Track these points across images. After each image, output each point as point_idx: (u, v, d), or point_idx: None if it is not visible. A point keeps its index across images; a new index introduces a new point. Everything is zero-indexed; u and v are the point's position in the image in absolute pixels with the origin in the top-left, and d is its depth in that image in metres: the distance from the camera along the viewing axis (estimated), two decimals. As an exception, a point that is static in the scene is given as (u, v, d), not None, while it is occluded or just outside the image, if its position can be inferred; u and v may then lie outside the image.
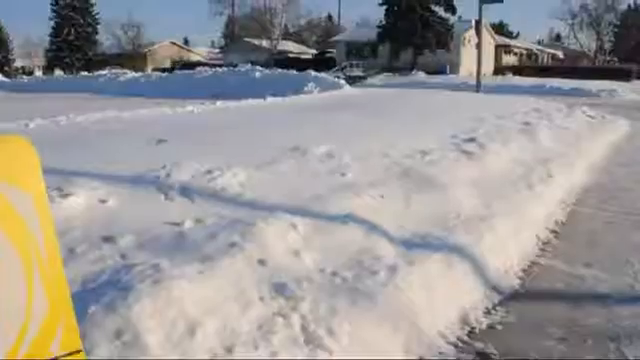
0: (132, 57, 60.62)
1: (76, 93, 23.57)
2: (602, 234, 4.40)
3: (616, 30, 68.82)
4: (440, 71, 39.18)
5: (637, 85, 35.55)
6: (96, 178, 3.63)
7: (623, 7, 67.16)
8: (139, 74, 30.47)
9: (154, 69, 51.06)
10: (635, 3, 72.95)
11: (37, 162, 1.32)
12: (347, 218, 3.25)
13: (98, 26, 62.69)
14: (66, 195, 3.19)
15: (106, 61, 57.48)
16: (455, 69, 40.72)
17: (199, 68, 25.76)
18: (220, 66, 30.53)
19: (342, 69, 37.11)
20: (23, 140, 1.27)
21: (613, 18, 65.92)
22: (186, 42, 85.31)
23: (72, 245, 2.59)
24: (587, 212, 5.02)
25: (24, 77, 38.30)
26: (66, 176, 3.62)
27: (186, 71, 27.37)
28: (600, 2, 62.73)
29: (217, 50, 79.10)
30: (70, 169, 3.86)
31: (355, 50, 48.46)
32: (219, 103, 10.95)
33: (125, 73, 31.07)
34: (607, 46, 68.86)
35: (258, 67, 22.02)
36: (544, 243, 4.10)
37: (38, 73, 57.79)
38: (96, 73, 34.76)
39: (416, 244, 3.22)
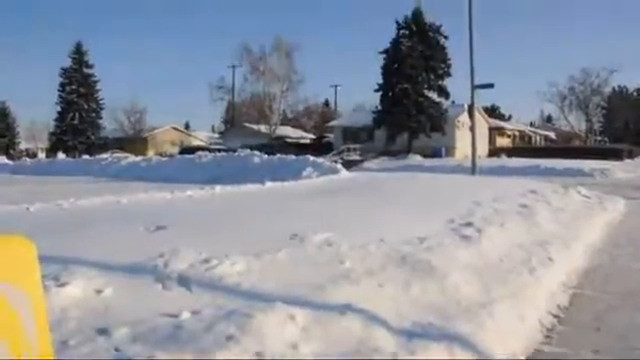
0: (134, 141, 61.87)
1: (78, 176, 23.89)
2: (607, 318, 4.32)
3: (604, 112, 70.84)
4: (436, 154, 39.96)
5: (629, 164, 36.17)
6: (94, 266, 3.62)
7: (609, 90, 69.47)
8: (140, 158, 30.94)
9: (157, 153, 51.92)
10: (619, 86, 75.60)
11: (37, 261, 1.34)
12: (346, 308, 3.22)
13: (102, 111, 64.40)
14: (63, 284, 3.19)
15: (108, 145, 58.61)
16: (451, 152, 41.53)
17: (199, 153, 26.20)
18: (220, 151, 31.08)
19: (339, 153, 37.87)
20: (25, 240, 1.30)
21: (600, 100, 68.01)
22: (187, 126, 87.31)
23: (66, 337, 2.56)
24: (589, 295, 4.96)
25: (27, 159, 38.82)
26: (64, 264, 3.62)
27: (186, 155, 27.80)
28: (586, 85, 65.02)
29: (217, 135, 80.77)
30: (68, 256, 3.85)
31: (352, 135, 49.64)
32: (218, 188, 11.03)
33: (126, 157, 31.57)
34: (597, 127, 70.71)
35: (257, 152, 22.42)
36: (548, 329, 4.02)
37: (41, 155, 58.81)
38: (98, 157, 35.34)
39: (416, 333, 3.17)
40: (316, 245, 4.60)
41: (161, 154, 46.08)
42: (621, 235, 8.32)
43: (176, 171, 21.47)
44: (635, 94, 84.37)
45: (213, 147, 42.19)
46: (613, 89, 72.70)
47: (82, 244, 4.50)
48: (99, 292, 3.20)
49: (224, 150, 31.89)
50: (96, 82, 63.57)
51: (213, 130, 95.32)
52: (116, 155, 36.58)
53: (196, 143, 63.66)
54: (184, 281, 3.47)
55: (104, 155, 38.03)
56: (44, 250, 3.78)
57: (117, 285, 3.30)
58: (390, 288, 3.78)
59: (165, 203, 8.76)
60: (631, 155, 52.12)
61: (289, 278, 3.74)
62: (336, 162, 22.49)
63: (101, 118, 64.56)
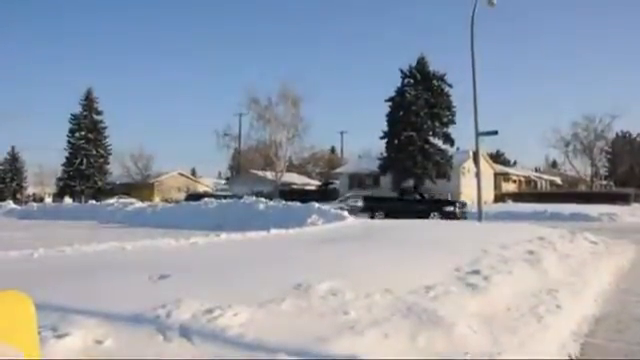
0: (140, 187, 62.32)
1: (83, 221, 23.98)
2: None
3: (609, 156, 70.99)
4: (442, 200, 39.89)
5: (636, 208, 35.97)
6: (95, 316, 3.58)
7: (612, 135, 69.82)
8: (146, 204, 31.05)
9: (163, 199, 52.13)
10: (622, 131, 76.05)
11: (33, 317, 1.32)
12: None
13: (109, 156, 65.08)
14: (62, 335, 3.14)
15: (115, 190, 59.00)
16: (456, 198, 41.48)
17: (205, 199, 26.30)
18: (225, 197, 31.19)
19: (345, 200, 37.87)
20: (21, 295, 1.29)
21: (604, 145, 68.24)
22: (193, 173, 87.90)
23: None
24: (601, 344, 4.85)
25: (34, 204, 39.00)
26: (64, 313, 3.59)
27: (192, 202, 27.88)
28: (590, 131, 65.37)
29: (224, 181, 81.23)
30: (69, 305, 3.82)
31: (358, 181, 49.96)
32: (223, 235, 11.01)
33: (132, 203, 31.70)
34: (602, 171, 70.71)
35: (262, 199, 22.48)
36: (560, 382, 3.92)
37: (48, 200, 59.15)
38: (104, 202, 35.53)
39: (423, 386, 3.09)
40: (320, 295, 4.54)
41: (167, 200, 46.31)
42: (631, 281, 8.20)
43: (181, 217, 21.50)
44: (638, 139, 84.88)
45: (219, 193, 42.34)
46: (617, 134, 73.17)
47: (83, 292, 4.46)
48: (99, 343, 3.15)
49: (230, 196, 32.00)
50: (105, 128, 64.58)
51: (219, 176, 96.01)
52: (122, 200, 36.78)
53: (202, 189, 64.03)
54: (186, 332, 3.41)
55: (110, 200, 38.25)
56: (44, 298, 3.78)
57: (118, 336, 3.26)
58: (396, 339, 3.71)
59: (169, 250, 8.73)
60: (638, 199, 51.97)
61: (293, 329, 3.68)
62: (342, 209, 22.53)
63: (108, 163, 65.30)
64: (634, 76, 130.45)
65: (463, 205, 27.77)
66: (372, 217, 25.30)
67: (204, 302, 3.96)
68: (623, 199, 44.47)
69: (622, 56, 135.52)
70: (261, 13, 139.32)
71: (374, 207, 28.32)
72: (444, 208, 26.31)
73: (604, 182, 71.77)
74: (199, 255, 8.13)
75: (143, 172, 67.83)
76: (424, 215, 24.00)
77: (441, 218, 24.56)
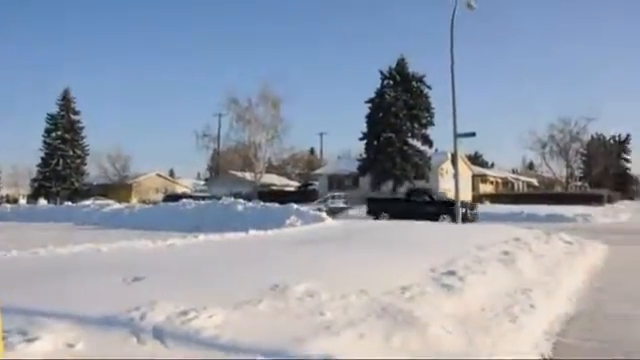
0: (118, 188, 61.52)
1: (58, 223, 23.61)
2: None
3: (584, 158, 72.20)
4: (421, 201, 40.06)
5: (609, 209, 36.75)
6: (66, 319, 3.53)
7: (587, 137, 70.99)
8: (123, 205, 30.68)
9: (141, 200, 51.58)
10: (597, 134, 77.44)
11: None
12: (325, 360, 3.16)
13: (86, 157, 64.14)
14: (31, 340, 3.08)
15: (92, 191, 58.18)
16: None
17: (183, 200, 26.08)
18: (204, 198, 30.97)
19: (324, 201, 37.82)
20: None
21: (580, 147, 69.33)
22: (172, 174, 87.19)
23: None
24: (573, 343, 4.91)
25: (7, 206, 38.24)
26: (34, 316, 3.54)
27: (170, 203, 27.62)
28: (565, 133, 66.34)
29: (202, 182, 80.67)
30: (41, 308, 3.76)
31: (337, 182, 50.06)
32: (201, 237, 10.95)
33: (109, 204, 31.28)
34: (577, 173, 71.81)
35: (241, 200, 22.40)
36: (531, 381, 3.98)
37: (22, 202, 58.01)
38: (80, 203, 34.96)
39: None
40: (297, 296, 4.54)
41: (145, 201, 45.85)
42: (604, 280, 8.33)
43: (159, 219, 21.31)
44: (612, 141, 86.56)
45: (197, 194, 42.04)
46: (592, 137, 74.40)
47: (54, 295, 4.40)
48: (70, 346, 3.10)
49: (208, 197, 31.79)
50: (82, 129, 63.62)
51: (198, 177, 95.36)
52: (99, 202, 36.30)
53: (181, 190, 63.46)
54: (160, 334, 3.38)
55: (86, 202, 37.72)
56: (13, 301, 3.71)
57: (89, 339, 3.21)
58: (370, 339, 3.73)
59: (146, 252, 8.65)
60: (611, 200, 53.02)
61: (269, 330, 3.67)
62: (321, 210, 22.51)
63: (85, 164, 64.32)
64: (610, 79, 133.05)
65: (473, 207, 26.61)
66: (376, 220, 24.17)
67: (179, 304, 3.94)
68: (597, 200, 45.30)
69: (597, 60, 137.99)
70: (242, 14, 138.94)
71: (378, 209, 27.19)
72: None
73: (579, 183, 72.96)
74: (176, 257, 8.06)
75: (121, 173, 67.00)
76: (433, 218, 22.84)
77: (452, 221, 23.24)
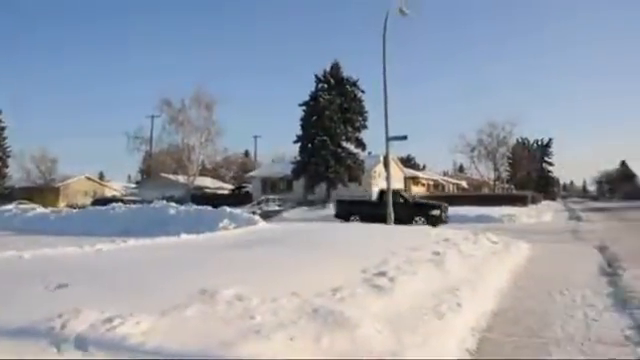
0: (43, 191, 58.82)
1: (-24, 229, 22.25)
2: (512, 360, 4.48)
3: (510, 161, 75.34)
4: (354, 204, 40.53)
5: (533, 209, 38.57)
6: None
7: (513, 141, 74.10)
8: (49, 209, 29.38)
9: (68, 204, 49.54)
10: (522, 138, 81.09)
11: None
12: (255, 364, 3.14)
13: (8, 159, 61.08)
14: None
15: (14, 195, 55.35)
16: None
17: (113, 204, 25.22)
18: (135, 202, 30.11)
19: (258, 204, 37.57)
20: None
21: (506, 151, 72.20)
22: (101, 176, 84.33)
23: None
24: (496, 338, 5.11)
25: None
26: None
27: (99, 207, 26.65)
28: (493, 137, 68.92)
29: (133, 185, 78.46)
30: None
31: (271, 185, 49.92)
32: (131, 242, 10.65)
33: (34, 208, 29.84)
34: (504, 175, 74.71)
35: (173, 203, 21.88)
36: (457, 375, 4.11)
37: None
38: (1, 208, 33.16)
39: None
40: (227, 300, 4.50)
41: (72, 205, 44.10)
42: (526, 278, 8.69)
43: (87, 223, 20.50)
44: (535, 145, 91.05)
45: (128, 198, 40.84)
46: (516, 141, 77.68)
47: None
48: (-17, 359, 2.95)
49: (139, 201, 30.92)
50: (3, 129, 60.55)
51: (129, 180, 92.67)
52: (22, 206, 34.56)
53: (111, 194, 61.54)
54: (82, 343, 3.27)
55: (8, 206, 35.83)
56: None
57: (3, 350, 3.06)
58: (301, 341, 3.74)
59: (72, 258, 8.33)
60: (535, 201, 55.57)
61: (197, 335, 3.62)
62: (254, 213, 22.28)
63: (7, 166, 61.23)
64: (534, 86, 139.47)
65: (446, 209, 25.91)
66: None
67: (104, 311, 3.82)
68: (522, 201, 47.38)
69: (521, 67, 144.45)
70: (178, 14, 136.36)
71: (348, 212, 26.33)
72: (430, 212, 24.68)
73: (505, 185, 76.01)
74: (103, 262, 7.81)
75: (47, 176, 64.21)
76: (407, 220, 22.38)
77: (426, 223, 23.11)
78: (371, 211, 24.69)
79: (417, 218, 24.03)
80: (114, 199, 35.22)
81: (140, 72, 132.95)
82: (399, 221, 20.77)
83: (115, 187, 74.17)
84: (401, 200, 25.87)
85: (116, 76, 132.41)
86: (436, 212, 24.60)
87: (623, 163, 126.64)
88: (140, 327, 3.58)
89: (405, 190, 53.00)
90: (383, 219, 20.56)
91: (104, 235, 14.95)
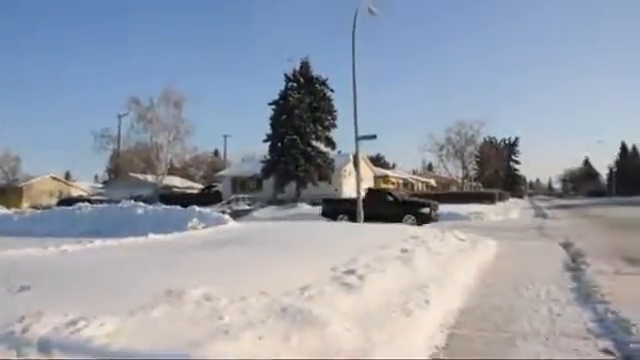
0: (6, 192, 57.36)
1: None
2: (480, 354, 4.54)
3: (478, 160, 76.54)
4: (324, 203, 40.63)
5: (500, 207, 39.24)
6: None
7: (481, 140, 75.28)
8: (12, 210, 28.70)
9: (32, 205, 48.41)
10: (489, 137, 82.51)
11: None
12: (222, 364, 3.12)
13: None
14: None
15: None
16: (339, 200, 42.52)
17: (79, 204, 24.71)
18: (102, 202, 29.59)
19: (228, 203, 37.28)
20: None
21: (474, 149, 73.27)
22: (68, 176, 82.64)
23: None
24: (465, 334, 5.18)
25: None
26: None
27: (65, 207, 26.09)
28: (461, 136, 69.86)
29: (101, 185, 77.13)
30: None
31: (241, 184, 49.65)
32: (97, 242, 10.46)
33: (-5, 209, 29.14)
34: (472, 173, 75.81)
35: (141, 203, 21.58)
36: (426, 372, 4.15)
37: None
38: (-41, 209, 32.22)
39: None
40: (195, 300, 4.46)
41: (37, 206, 43.08)
42: (493, 275, 8.83)
43: (53, 224, 20.07)
44: (502, 144, 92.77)
45: (95, 198, 40.10)
46: (484, 139, 78.91)
47: None
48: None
49: (106, 201, 30.40)
50: (-38, 128, 58.96)
51: (96, 180, 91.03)
52: (-18, 207, 33.65)
53: (77, 194, 60.32)
54: (45, 347, 3.20)
55: (-32, 208, 34.86)
56: None
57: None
58: (270, 340, 3.73)
59: (36, 259, 8.14)
60: (502, 199, 56.55)
61: (164, 336, 3.57)
62: (224, 212, 22.12)
63: (-33, 167, 59.64)
64: (502, 86, 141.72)
65: (436, 207, 25.68)
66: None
67: (69, 313, 3.74)
68: (489, 199, 48.20)
69: (488, 65, 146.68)
70: (148, 12, 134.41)
71: (335, 211, 25.81)
72: (420, 210, 24.43)
73: (474, 184, 77.14)
74: (69, 263, 7.65)
75: (9, 176, 62.66)
76: (396, 219, 22.16)
77: (416, 221, 23.05)
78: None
79: (407, 217, 23.87)
80: (81, 199, 34.49)
81: (108, 69, 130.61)
82: (389, 219, 20.67)
83: (82, 187, 72.74)
84: (390, 199, 25.96)
85: (83, 74, 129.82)
86: (426, 210, 24.49)
87: (586, 162, 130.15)
88: (105, 329, 3.52)
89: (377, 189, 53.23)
90: (373, 217, 20.61)
91: (70, 236, 14.65)
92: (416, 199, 28.75)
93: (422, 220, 23.37)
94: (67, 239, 12.23)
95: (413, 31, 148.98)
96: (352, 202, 26.19)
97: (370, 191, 28.10)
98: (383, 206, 24.47)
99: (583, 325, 5.34)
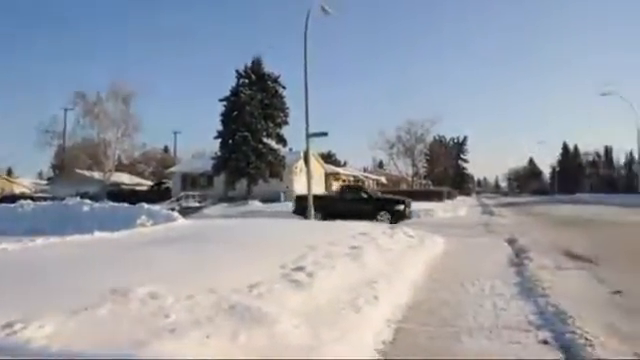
0: (-59, 189, 54.82)
1: None
2: (426, 349, 4.62)
3: (427, 158, 78.07)
4: (275, 199, 40.69)
5: (449, 204, 40.17)
6: None
7: (430, 139, 76.81)
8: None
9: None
10: (439, 135, 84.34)
11: None
12: (167, 363, 3.07)
13: None
14: None
15: None
16: (289, 197, 42.47)
17: (21, 201, 23.80)
18: (45, 199, 28.62)
19: (178, 200, 36.66)
20: None
21: (424, 148, 74.67)
22: (9, 172, 79.54)
23: None
24: (411, 329, 5.26)
25: None
26: None
27: (6, 205, 25.07)
28: (411, 134, 71.08)
29: (45, 182, 74.63)
30: None
31: (191, 181, 49.06)
32: (39, 240, 10.10)
33: None
34: (422, 171, 77.27)
35: (87, 200, 20.97)
36: (374, 365, 4.19)
37: None
38: None
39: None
40: (140, 298, 4.37)
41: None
42: (440, 271, 9.00)
43: (-9, 222, 19.28)
44: (451, 143, 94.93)
45: (38, 195, 38.75)
46: (434, 138, 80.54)
47: None
48: None
49: (50, 198, 29.41)
50: None
51: (40, 177, 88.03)
52: None
53: (20, 191, 58.10)
54: (-20, 349, 3.07)
55: None
56: None
57: None
58: (217, 338, 3.69)
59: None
60: (450, 196, 57.86)
61: (108, 336, 3.49)
62: (174, 209, 21.77)
63: None
64: (451, 86, 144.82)
65: (409, 204, 25.34)
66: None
67: (4, 316, 3.60)
68: (438, 196, 49.30)
69: (439, 65, 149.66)
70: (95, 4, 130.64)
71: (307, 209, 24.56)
72: (395, 207, 24.03)
73: (423, 181, 78.64)
74: (7, 263, 7.37)
75: (-56, 172, 59.88)
76: (370, 216, 22.03)
77: (391, 219, 22.64)
78: (335, 208, 23.84)
79: (381, 214, 23.55)
80: (23, 196, 33.27)
81: (52, 61, 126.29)
82: (363, 217, 20.45)
83: (25, 184, 70.09)
84: (364, 196, 25.79)
85: (25, 65, 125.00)
86: (400, 207, 24.19)
87: (531, 161, 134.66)
88: (44, 330, 3.41)
89: (326, 187, 53.51)
90: (347, 215, 20.41)
91: (10, 234, 14.10)
92: (390, 196, 28.62)
93: (397, 217, 23.17)
94: (7, 237, 11.75)
95: (368, 33, 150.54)
96: (326, 199, 26.23)
97: (343, 188, 27.82)
98: (357, 203, 24.27)
99: (524, 318, 5.51)
